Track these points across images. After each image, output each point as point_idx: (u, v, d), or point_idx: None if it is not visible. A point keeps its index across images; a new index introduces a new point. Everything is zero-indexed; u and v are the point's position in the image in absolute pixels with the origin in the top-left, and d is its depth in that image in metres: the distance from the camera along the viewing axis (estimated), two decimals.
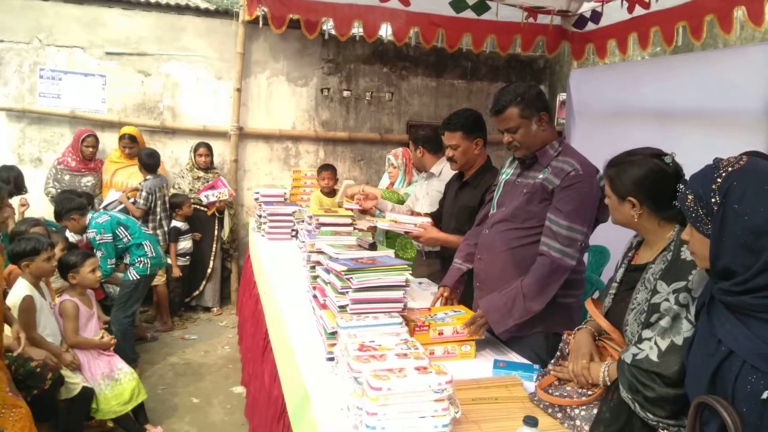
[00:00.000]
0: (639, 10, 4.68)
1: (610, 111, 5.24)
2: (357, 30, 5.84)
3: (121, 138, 5.40)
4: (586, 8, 5.41)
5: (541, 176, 2.27)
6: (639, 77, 4.89)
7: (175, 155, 5.99)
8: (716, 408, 1.13)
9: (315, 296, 2.42)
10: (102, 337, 3.29)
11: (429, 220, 2.84)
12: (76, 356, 3.05)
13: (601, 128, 5.35)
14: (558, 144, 2.29)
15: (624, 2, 4.56)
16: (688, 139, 4.36)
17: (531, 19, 5.50)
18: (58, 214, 4.07)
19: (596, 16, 5.36)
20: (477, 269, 2.51)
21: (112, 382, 3.17)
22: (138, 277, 4.15)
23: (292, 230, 4.23)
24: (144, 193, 4.97)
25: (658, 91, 4.61)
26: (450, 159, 2.92)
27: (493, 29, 5.73)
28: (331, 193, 4.99)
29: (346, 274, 2.06)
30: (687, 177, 1.49)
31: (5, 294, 3.04)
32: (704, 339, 1.30)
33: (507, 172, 2.48)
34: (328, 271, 2.24)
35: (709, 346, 1.26)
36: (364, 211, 3.89)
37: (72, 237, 4.23)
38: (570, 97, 5.81)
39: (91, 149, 5.30)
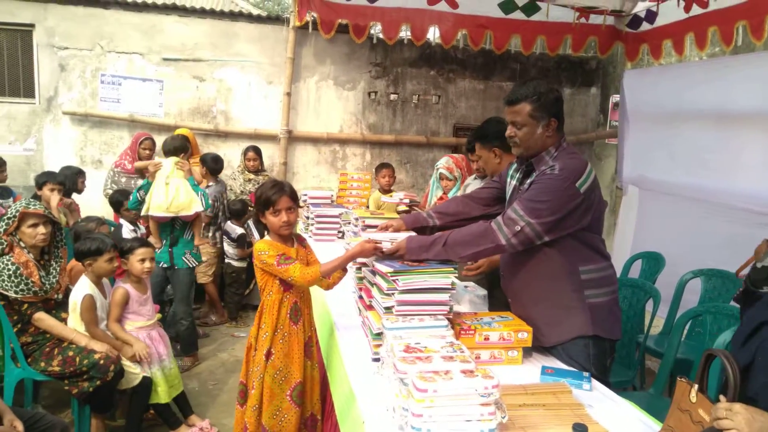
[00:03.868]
0: (696, 10, 4.53)
1: (665, 113, 5.09)
2: (405, 33, 5.87)
3: None
4: (640, 8, 5.27)
5: (529, 180, 2.25)
6: (696, 78, 4.72)
7: (228, 158, 6.16)
8: (720, 358, 1.42)
9: (361, 297, 2.45)
10: (155, 321, 3.40)
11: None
12: (142, 348, 3.14)
13: (656, 131, 5.20)
14: (554, 149, 2.22)
15: (681, 1, 4.42)
16: (748, 142, 4.19)
17: (583, 20, 5.40)
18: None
19: (651, 15, 5.21)
20: (504, 286, 2.50)
21: (161, 368, 3.27)
22: (196, 263, 4.34)
23: (339, 232, 4.29)
24: (210, 201, 5.14)
25: (717, 92, 4.44)
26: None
27: (542, 30, 5.66)
28: (389, 192, 5.04)
29: (391, 276, 2.07)
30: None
31: (68, 290, 3.21)
32: (764, 306, 1.63)
33: (515, 177, 2.41)
34: (374, 272, 2.26)
35: (761, 311, 1.58)
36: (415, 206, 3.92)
37: (129, 232, 4.40)
38: (623, 98, 5.67)
39: (148, 152, 5.51)
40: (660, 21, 5.12)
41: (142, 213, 4.13)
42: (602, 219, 2.31)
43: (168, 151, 4.29)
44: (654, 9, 5.03)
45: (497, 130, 2.87)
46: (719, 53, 5.08)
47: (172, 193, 4.11)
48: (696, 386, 1.46)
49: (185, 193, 4.16)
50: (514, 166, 2.45)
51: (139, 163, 4.55)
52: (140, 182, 5.44)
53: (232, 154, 6.15)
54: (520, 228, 2.12)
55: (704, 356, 1.50)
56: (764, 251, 2.65)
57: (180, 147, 4.34)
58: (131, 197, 4.21)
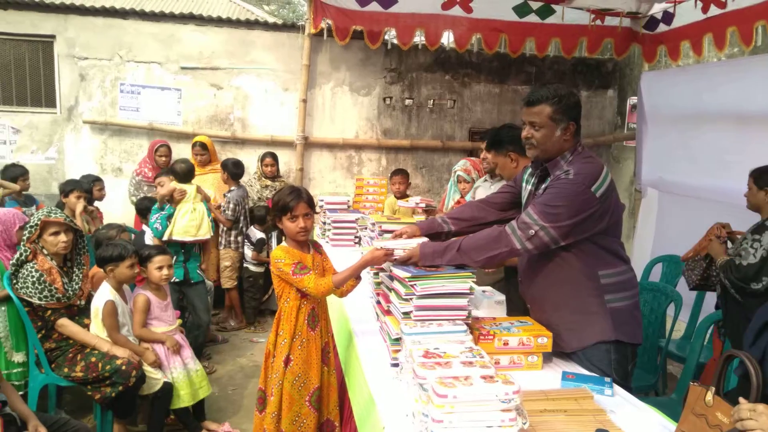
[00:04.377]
0: (714, 10, 4.48)
1: (684, 114, 5.03)
2: (419, 39, 5.88)
3: (194, 146, 5.66)
4: (657, 9, 5.23)
5: (544, 186, 2.23)
6: (715, 79, 4.67)
7: (245, 165, 6.20)
8: (741, 358, 1.46)
9: (378, 302, 2.45)
10: (176, 326, 3.44)
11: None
12: (157, 354, 3.20)
13: (674, 132, 5.15)
14: (570, 154, 2.20)
15: (698, 2, 4.37)
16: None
17: (598, 22, 5.38)
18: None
19: (668, 17, 5.17)
20: (522, 291, 2.48)
21: (186, 372, 3.31)
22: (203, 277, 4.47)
23: (356, 237, 4.30)
24: (232, 205, 5.21)
25: (736, 93, 4.39)
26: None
27: (557, 32, 5.64)
28: (403, 198, 5.05)
29: (409, 281, 2.07)
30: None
31: (90, 296, 3.26)
32: None
33: (530, 182, 2.40)
34: (391, 277, 2.26)
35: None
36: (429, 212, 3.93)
37: (151, 239, 4.45)
38: (641, 100, 5.62)
39: (164, 158, 5.53)
40: (677, 22, 5.07)
41: (165, 237, 4.18)
42: (620, 222, 2.29)
43: (184, 176, 4.34)
44: (671, 10, 4.99)
45: (511, 135, 2.87)
46: (738, 54, 5.02)
47: (198, 218, 4.29)
48: (712, 389, 1.45)
49: (207, 217, 4.39)
50: (529, 170, 2.43)
51: (163, 192, 4.47)
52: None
53: (249, 160, 6.19)
54: (534, 232, 2.10)
55: (723, 357, 1.49)
56: (717, 247, 3.13)
57: (192, 170, 4.46)
58: (159, 226, 4.17)
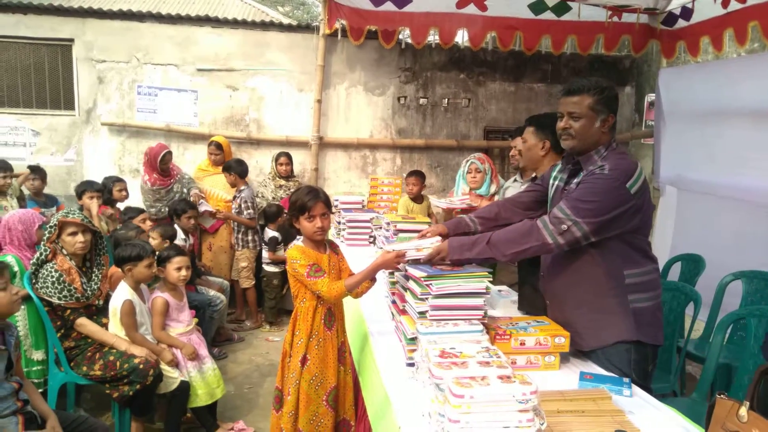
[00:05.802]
0: (734, 5, 4.41)
1: (703, 111, 4.96)
2: (433, 37, 5.86)
3: (209, 145, 5.69)
4: (675, 5, 5.16)
5: (576, 180, 2.21)
6: (735, 75, 4.59)
7: (260, 165, 6.25)
8: None
9: (394, 302, 2.45)
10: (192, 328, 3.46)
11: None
12: (174, 353, 3.23)
13: (694, 129, 5.07)
14: (604, 149, 2.18)
15: None
16: None
17: (615, 18, 5.32)
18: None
19: (687, 12, 5.09)
20: (544, 286, 2.46)
21: (202, 372, 3.33)
22: None
23: (370, 236, 4.30)
24: (250, 203, 5.24)
25: (757, 89, 4.31)
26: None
27: (573, 30, 5.59)
28: (417, 198, 5.04)
29: (425, 281, 2.06)
30: None
31: (108, 296, 3.29)
32: None
33: (558, 177, 2.38)
34: (407, 277, 2.25)
35: None
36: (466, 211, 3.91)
37: (179, 240, 4.47)
38: (659, 97, 5.55)
39: (169, 164, 5.43)
40: (696, 18, 5.00)
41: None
42: (651, 221, 2.26)
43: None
44: (689, 5, 4.92)
45: (555, 126, 2.83)
46: (758, 49, 4.93)
47: None
48: (747, 404, 1.38)
49: None
50: (558, 167, 2.42)
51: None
52: (175, 188, 5.48)
53: (264, 161, 6.23)
54: (566, 227, 2.08)
55: (758, 373, 1.44)
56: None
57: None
58: None
